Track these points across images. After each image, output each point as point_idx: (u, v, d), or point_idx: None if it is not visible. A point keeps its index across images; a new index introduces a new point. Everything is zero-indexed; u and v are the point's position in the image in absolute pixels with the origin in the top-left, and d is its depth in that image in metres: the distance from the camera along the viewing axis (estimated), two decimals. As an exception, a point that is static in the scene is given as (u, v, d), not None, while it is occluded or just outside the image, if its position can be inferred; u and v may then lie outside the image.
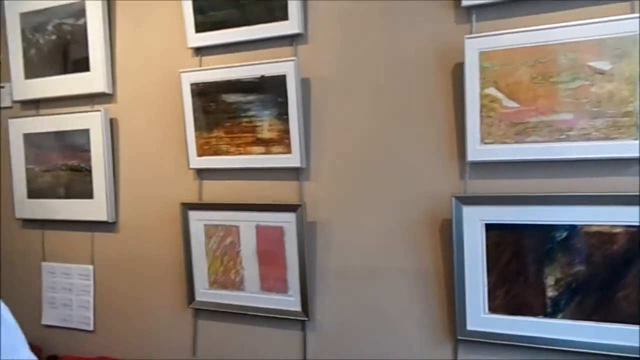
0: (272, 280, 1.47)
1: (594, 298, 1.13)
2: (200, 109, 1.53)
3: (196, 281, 1.57)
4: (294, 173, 1.45)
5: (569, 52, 1.13)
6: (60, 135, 1.79)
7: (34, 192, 1.86)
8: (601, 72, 1.10)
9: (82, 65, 1.74)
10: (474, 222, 1.23)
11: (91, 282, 1.79)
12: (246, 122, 1.47)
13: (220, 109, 1.50)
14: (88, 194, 1.74)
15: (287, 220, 1.43)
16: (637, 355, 1.09)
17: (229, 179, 1.54)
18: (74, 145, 1.76)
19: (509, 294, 1.21)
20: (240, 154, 1.49)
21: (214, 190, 1.57)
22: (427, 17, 1.30)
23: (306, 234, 1.41)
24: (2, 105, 1.94)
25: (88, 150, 1.73)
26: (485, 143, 1.21)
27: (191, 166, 1.57)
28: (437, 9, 1.28)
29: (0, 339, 0.66)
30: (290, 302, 1.44)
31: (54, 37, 1.78)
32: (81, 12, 1.71)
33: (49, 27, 1.78)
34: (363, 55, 1.38)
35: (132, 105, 1.71)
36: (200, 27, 1.52)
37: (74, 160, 1.77)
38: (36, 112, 1.87)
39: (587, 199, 1.12)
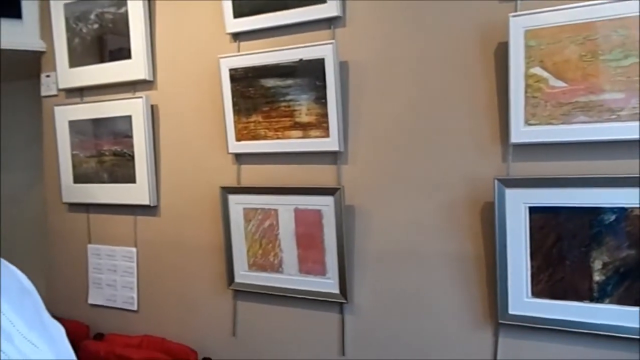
0: (311, 262, 1.48)
1: (644, 283, 1.10)
2: (238, 94, 1.54)
3: (236, 263, 1.61)
4: (332, 157, 1.46)
5: (619, 28, 1.08)
6: (103, 121, 1.85)
7: (79, 177, 1.93)
8: (655, 49, 1.05)
9: (123, 53, 1.78)
10: (517, 205, 1.20)
11: (134, 264, 1.85)
12: (284, 106, 1.48)
13: (258, 94, 1.51)
14: (131, 178, 1.80)
15: (325, 204, 1.44)
16: (690, 342, 1.06)
17: (267, 163, 1.56)
18: (116, 131, 1.82)
19: (553, 278, 1.19)
20: (278, 138, 1.50)
21: (253, 174, 1.60)
22: (469, -4, 1.27)
23: (344, 217, 1.42)
24: (49, 93, 2.01)
25: (130, 136, 1.78)
26: (530, 124, 1.18)
27: (230, 151, 1.59)
28: (479, -12, 1.25)
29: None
30: (329, 284, 1.46)
31: (96, 26, 1.83)
32: (122, 1, 1.75)
33: (92, 17, 1.83)
34: (402, 36, 1.36)
35: (172, 92, 1.74)
36: (238, 13, 1.54)
37: (117, 146, 1.82)
38: (80, 99, 1.93)
39: (638, 181, 1.09)
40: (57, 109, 1.95)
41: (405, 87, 1.36)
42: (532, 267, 1.20)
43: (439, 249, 1.34)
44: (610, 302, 1.13)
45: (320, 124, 1.43)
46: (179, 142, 1.74)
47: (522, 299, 1.22)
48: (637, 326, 1.10)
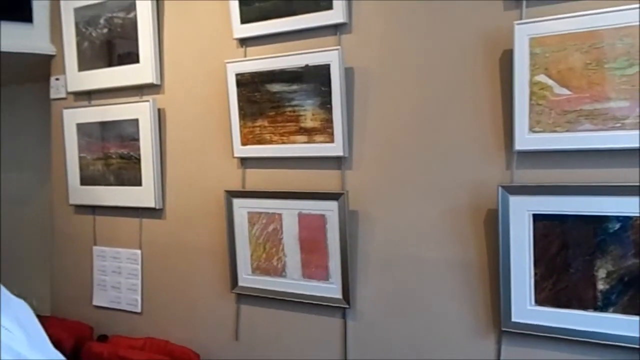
0: (314, 267, 1.49)
1: (649, 292, 1.09)
2: (244, 98, 1.56)
3: (239, 267, 1.61)
4: (337, 162, 1.47)
5: (624, 37, 1.09)
6: (110, 124, 1.87)
7: (86, 179, 1.95)
8: (661, 58, 1.05)
9: (131, 57, 1.80)
10: (521, 213, 1.20)
11: (139, 266, 1.86)
12: (290, 111, 1.49)
13: (264, 99, 1.52)
14: (137, 181, 1.81)
15: (329, 209, 1.44)
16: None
17: (272, 168, 1.57)
18: (123, 134, 1.84)
19: (556, 286, 1.18)
20: (283, 142, 1.51)
21: (258, 178, 1.61)
22: (475, 3, 1.27)
23: (348, 222, 1.42)
24: (57, 96, 2.04)
25: (137, 139, 1.80)
26: (534, 132, 1.18)
27: (235, 155, 1.60)
28: (485, -5, 1.26)
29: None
30: (332, 289, 1.46)
31: (105, 30, 1.86)
32: (132, 6, 1.77)
33: (101, 21, 1.86)
34: (407, 43, 1.37)
35: (178, 96, 1.76)
36: (245, 18, 1.55)
37: (124, 149, 1.84)
38: (88, 102, 1.95)
39: (643, 189, 1.08)
40: (65, 111, 1.97)
41: (410, 93, 1.37)
42: (535, 274, 1.20)
43: (442, 255, 1.34)
44: (615, 311, 1.12)
45: (325, 129, 1.44)
46: (185, 145, 1.75)
47: (525, 307, 1.21)
48: (642, 336, 1.10)
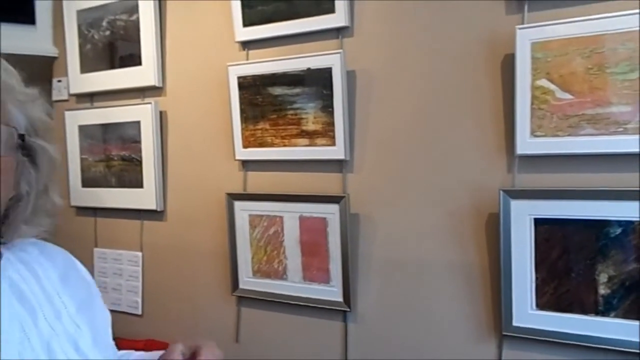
0: (315, 270, 1.49)
1: (650, 297, 1.09)
2: (246, 101, 1.56)
3: (240, 270, 1.61)
4: (338, 165, 1.47)
5: (626, 42, 1.09)
6: (112, 127, 1.87)
7: (87, 181, 1.95)
8: (662, 63, 1.06)
9: (134, 59, 1.81)
10: (522, 217, 1.20)
11: (140, 268, 1.86)
12: (291, 114, 1.49)
13: (266, 102, 1.53)
14: (138, 183, 1.81)
15: (330, 212, 1.44)
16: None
17: (274, 171, 1.57)
18: (125, 136, 1.84)
19: (558, 291, 1.18)
20: (285, 145, 1.51)
21: (259, 181, 1.61)
22: (476, 7, 1.28)
23: (349, 225, 1.42)
24: (59, 98, 2.04)
25: (139, 142, 1.80)
26: (536, 136, 1.18)
27: (237, 157, 1.60)
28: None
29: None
30: (332, 292, 1.46)
31: (107, 32, 1.86)
32: (134, 9, 1.78)
33: (104, 23, 1.86)
34: (409, 47, 1.37)
35: (180, 98, 1.76)
36: (248, 21, 1.56)
37: (126, 151, 1.84)
38: (90, 104, 1.96)
39: (645, 194, 1.08)
40: (67, 113, 1.97)
41: (412, 97, 1.37)
42: (537, 279, 1.20)
43: (443, 259, 1.34)
44: (616, 316, 1.12)
45: (327, 133, 1.44)
46: (187, 147, 1.76)
47: (526, 311, 1.21)
48: (643, 341, 1.10)
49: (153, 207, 1.79)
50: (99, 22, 1.88)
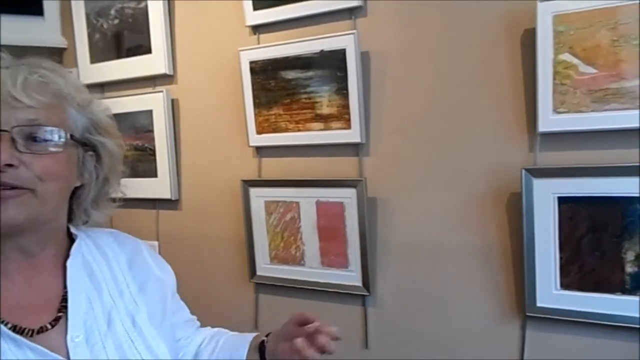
0: (333, 255, 1.48)
1: (680, 274, 1.06)
2: (259, 86, 1.54)
3: (257, 256, 1.61)
4: (354, 149, 1.45)
5: (653, 12, 1.05)
6: (124, 116, 1.86)
7: (101, 172, 1.95)
8: (692, 32, 1.02)
9: (143, 47, 1.79)
10: (546, 196, 1.18)
11: (157, 257, 1.86)
12: (305, 98, 1.47)
13: (279, 86, 1.50)
14: (152, 172, 1.81)
15: (347, 196, 1.43)
16: None
17: (289, 156, 1.56)
18: (137, 126, 1.83)
19: (583, 270, 1.16)
20: (299, 130, 1.49)
21: (274, 167, 1.59)
22: (494, -18, 1.24)
23: (367, 209, 1.40)
24: (70, 89, 2.03)
25: (151, 131, 1.79)
26: (558, 112, 1.15)
27: (251, 144, 1.59)
28: (505, -27, 1.23)
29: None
30: (351, 277, 1.45)
31: (116, 21, 1.84)
32: (142, -4, 1.76)
33: (112, 12, 1.84)
34: (425, 25, 1.34)
35: (192, 86, 1.75)
36: (258, 5, 1.53)
37: (138, 141, 1.83)
38: (102, 95, 1.95)
39: (673, 169, 1.05)
40: (79, 104, 1.96)
41: (429, 76, 1.34)
42: (561, 258, 1.18)
43: (464, 241, 1.32)
44: (643, 294, 1.10)
45: (342, 116, 1.42)
46: (200, 135, 1.74)
47: (550, 291, 1.19)
48: (672, 319, 1.08)
49: (168, 196, 1.78)
50: (107, 11, 1.86)
